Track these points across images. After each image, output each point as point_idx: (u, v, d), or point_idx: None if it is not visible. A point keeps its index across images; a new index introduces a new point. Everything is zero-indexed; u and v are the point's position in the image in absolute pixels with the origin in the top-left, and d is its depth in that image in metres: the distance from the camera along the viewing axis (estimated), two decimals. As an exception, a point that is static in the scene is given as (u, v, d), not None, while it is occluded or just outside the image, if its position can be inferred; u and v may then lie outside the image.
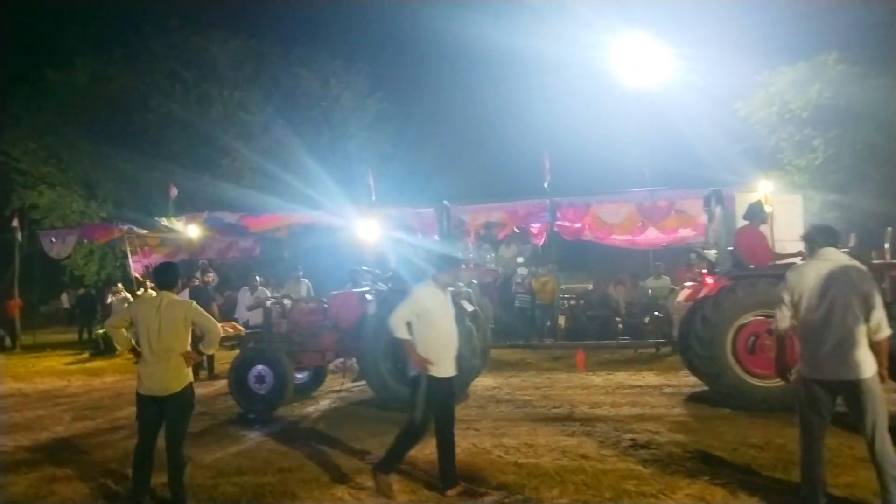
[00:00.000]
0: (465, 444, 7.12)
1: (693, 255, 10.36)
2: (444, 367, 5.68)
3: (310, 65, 27.28)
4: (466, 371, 8.88)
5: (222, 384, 11.76)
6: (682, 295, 9.69)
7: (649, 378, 10.84)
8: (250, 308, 13.05)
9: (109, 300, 17.72)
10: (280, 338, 9.80)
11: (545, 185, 12.79)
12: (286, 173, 22.82)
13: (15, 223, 18.86)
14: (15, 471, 6.78)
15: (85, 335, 19.74)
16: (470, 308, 9.34)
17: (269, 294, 14.14)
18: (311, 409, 9.28)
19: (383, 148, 27.81)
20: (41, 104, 25.32)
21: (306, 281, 13.79)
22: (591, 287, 18.15)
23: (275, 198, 20.27)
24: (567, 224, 14.68)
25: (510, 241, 17.74)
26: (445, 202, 10.32)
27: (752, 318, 8.33)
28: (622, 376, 11.04)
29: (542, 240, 15.41)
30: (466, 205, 14.35)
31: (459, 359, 8.57)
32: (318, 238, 16.63)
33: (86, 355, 16.58)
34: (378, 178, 15.11)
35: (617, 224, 14.35)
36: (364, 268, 12.96)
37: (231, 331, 10.65)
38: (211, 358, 12.46)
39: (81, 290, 22.75)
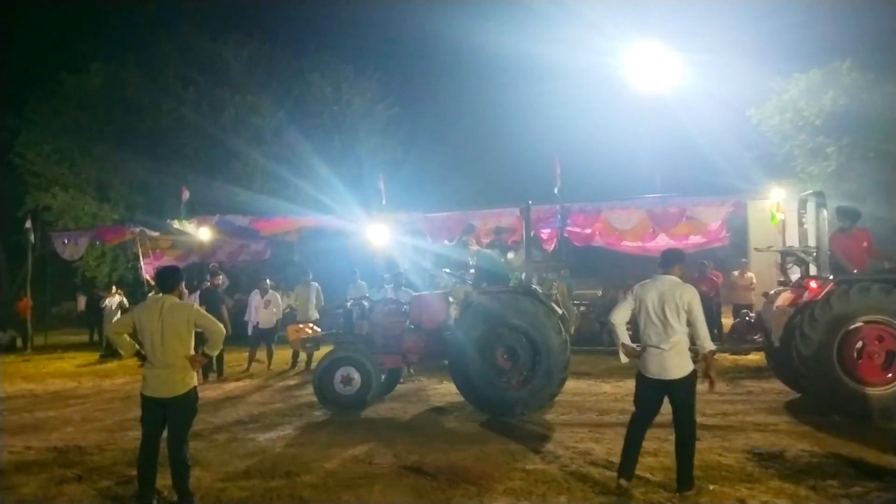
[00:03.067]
0: (473, 449, 7.12)
1: (790, 258, 9.90)
2: None
3: (321, 70, 27.37)
4: (557, 383, 8.76)
5: (232, 387, 11.83)
6: (782, 299, 9.32)
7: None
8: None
9: (105, 303, 17.73)
10: (361, 339, 9.75)
11: (556, 190, 12.72)
12: (297, 177, 22.95)
13: (28, 224, 18.99)
14: (24, 472, 6.81)
15: (95, 337, 19.83)
16: (559, 311, 9.04)
17: (279, 298, 14.18)
18: (319, 412, 9.27)
19: (394, 153, 27.86)
20: (56, 107, 25.50)
21: (316, 284, 13.83)
22: (600, 293, 18.08)
23: (286, 201, 20.38)
24: (577, 230, 14.56)
25: (520, 246, 17.61)
26: (529, 202, 10.21)
27: (859, 324, 8.08)
28: (632, 384, 10.95)
29: (553, 245, 15.31)
30: (477, 209, 14.30)
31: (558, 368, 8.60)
32: (329, 242, 16.66)
33: (96, 357, 16.65)
34: (388, 182, 15.07)
35: (628, 230, 14.26)
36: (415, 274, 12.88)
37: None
38: (220, 360, 12.51)
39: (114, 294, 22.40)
